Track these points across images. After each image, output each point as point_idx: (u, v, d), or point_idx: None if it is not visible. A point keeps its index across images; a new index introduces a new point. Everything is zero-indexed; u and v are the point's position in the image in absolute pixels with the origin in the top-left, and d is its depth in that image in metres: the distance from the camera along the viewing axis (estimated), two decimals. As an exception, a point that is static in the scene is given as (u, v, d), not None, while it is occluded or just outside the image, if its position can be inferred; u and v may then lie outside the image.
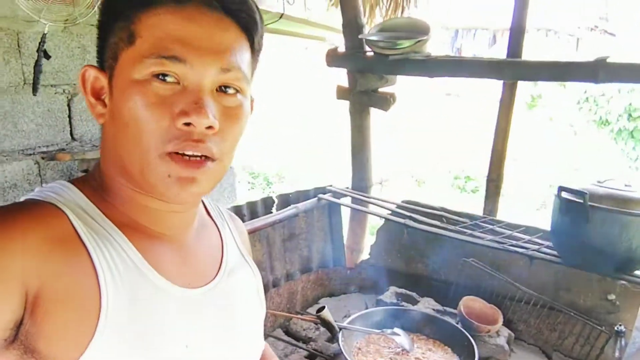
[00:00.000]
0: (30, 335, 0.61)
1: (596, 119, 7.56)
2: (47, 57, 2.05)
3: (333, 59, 2.89)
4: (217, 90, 0.69)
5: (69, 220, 0.67)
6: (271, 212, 2.75)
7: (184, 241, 0.80)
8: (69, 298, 0.63)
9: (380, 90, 2.95)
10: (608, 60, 1.95)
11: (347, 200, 3.01)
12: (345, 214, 3.19)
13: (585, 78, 2.08)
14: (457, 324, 2.35)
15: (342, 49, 2.95)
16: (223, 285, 0.83)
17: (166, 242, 0.77)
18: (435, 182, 7.79)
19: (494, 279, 2.55)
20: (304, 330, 2.50)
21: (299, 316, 2.38)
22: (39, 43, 2.04)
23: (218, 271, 0.84)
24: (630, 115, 7.12)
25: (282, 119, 9.01)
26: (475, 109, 9.21)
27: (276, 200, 2.82)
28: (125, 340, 0.66)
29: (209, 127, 0.66)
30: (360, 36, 2.79)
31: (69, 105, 2.85)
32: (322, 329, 2.34)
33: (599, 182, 2.08)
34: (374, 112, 3.02)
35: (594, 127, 7.66)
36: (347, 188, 3.06)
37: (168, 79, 0.66)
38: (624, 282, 2.20)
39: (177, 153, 0.67)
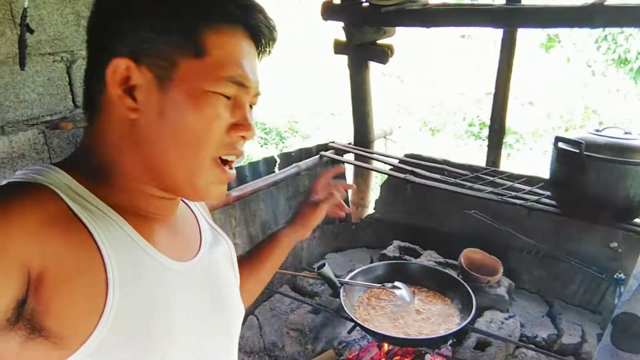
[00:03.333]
0: (36, 313, 0.62)
1: (615, 58, 7.28)
2: (31, 31, 2.05)
3: (328, 11, 2.83)
4: None
5: (63, 201, 0.67)
6: (273, 172, 2.77)
7: (170, 220, 0.84)
8: (76, 275, 0.64)
9: (378, 42, 2.89)
10: (605, 3, 1.88)
11: (349, 157, 3.02)
12: (349, 169, 3.20)
13: (581, 23, 2.01)
14: (458, 276, 2.38)
15: (337, 0, 2.88)
16: (207, 256, 0.89)
17: (155, 221, 0.80)
18: (450, 130, 7.69)
19: (496, 229, 2.57)
20: (310, 285, 2.57)
21: (300, 273, 2.44)
22: (21, 18, 2.03)
23: (200, 245, 0.89)
24: (650, 52, 6.85)
25: (289, 73, 8.90)
26: (489, 49, 8.95)
27: (278, 160, 2.84)
28: (133, 313, 0.68)
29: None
30: (355, -14, 2.72)
31: (68, 73, 2.85)
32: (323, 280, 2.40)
33: (597, 130, 2.04)
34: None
35: (613, 66, 7.40)
36: (350, 144, 3.06)
37: (231, 96, 0.75)
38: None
39: (221, 158, 0.77)
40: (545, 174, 2.55)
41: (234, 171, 0.80)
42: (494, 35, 8.81)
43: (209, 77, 0.72)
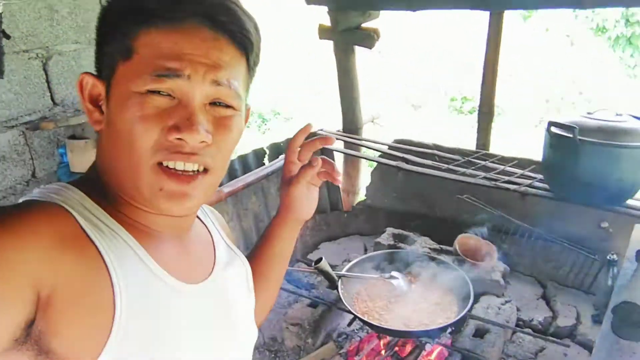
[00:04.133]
0: (43, 335, 0.61)
1: (593, 27, 7.31)
2: (7, 37, 1.96)
3: (313, -5, 2.76)
4: (209, 104, 0.71)
5: (76, 220, 0.67)
6: (263, 164, 2.74)
7: (183, 239, 0.82)
8: (84, 296, 0.63)
9: (363, 26, 2.84)
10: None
11: (339, 144, 2.98)
12: (339, 156, 3.17)
13: (570, 4, 1.99)
14: (453, 262, 2.39)
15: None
16: (219, 278, 0.86)
17: (167, 240, 0.78)
18: (432, 106, 7.69)
19: (489, 213, 2.58)
20: (305, 277, 2.56)
21: (298, 269, 2.42)
22: (-4, 24, 1.93)
23: (213, 266, 0.86)
24: (627, 20, 6.87)
25: (273, 57, 8.76)
26: (468, 22, 8.91)
27: (267, 151, 2.80)
28: (139, 336, 0.67)
29: (202, 142, 0.69)
30: (338, -30, 2.65)
31: (45, 70, 2.76)
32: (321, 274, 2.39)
33: (589, 113, 2.05)
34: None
35: (591, 35, 7.43)
36: (338, 131, 3.02)
37: (163, 92, 0.68)
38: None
39: (168, 167, 0.69)
40: (529, 150, 2.57)
41: (189, 185, 0.70)
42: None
43: (135, 76, 0.68)
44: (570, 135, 1.93)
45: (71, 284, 0.62)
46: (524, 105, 7.26)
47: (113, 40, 0.70)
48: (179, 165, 0.70)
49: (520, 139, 6.19)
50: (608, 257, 2.17)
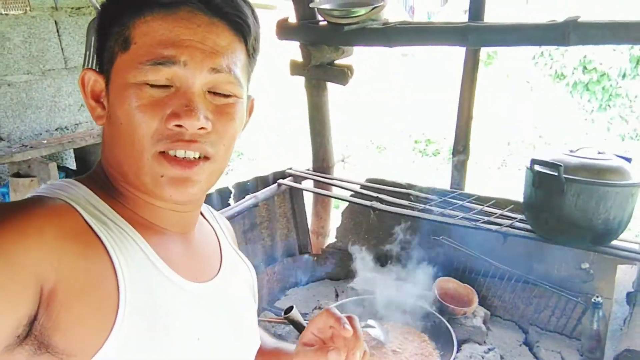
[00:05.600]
0: (45, 330, 0.61)
1: (552, 73, 7.53)
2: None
3: (284, 31, 2.67)
4: (209, 92, 0.71)
5: (81, 216, 0.67)
6: (228, 204, 2.56)
7: (189, 238, 0.83)
8: (88, 291, 0.63)
9: (336, 62, 2.75)
10: (579, 20, 1.82)
11: (308, 183, 2.85)
12: (308, 196, 3.03)
13: (555, 41, 1.94)
14: (432, 307, 2.25)
15: (293, 19, 2.74)
16: (226, 280, 0.85)
17: (173, 238, 0.79)
18: (396, 148, 7.69)
19: (466, 255, 2.47)
20: (272, 327, 2.36)
21: (266, 319, 2.23)
22: None
23: (220, 267, 0.86)
24: (585, 67, 7.12)
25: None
26: (432, 68, 9.09)
27: (233, 190, 2.64)
28: (142, 333, 0.66)
29: (202, 128, 0.69)
30: (311, 5, 2.57)
31: (-8, 101, 2.55)
32: (291, 325, 2.20)
33: (571, 151, 1.98)
34: (330, 85, 2.83)
35: (550, 81, 7.65)
36: (308, 170, 2.89)
37: (160, 81, 0.68)
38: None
39: (169, 155, 0.69)
40: (497, 191, 2.49)
41: (191, 170, 0.70)
42: (436, 52, 8.97)
43: (131, 67, 0.68)
44: (555, 174, 1.85)
45: (75, 278, 0.62)
46: (486, 148, 7.34)
47: (112, 34, 0.71)
48: (180, 153, 0.69)
49: (485, 180, 6.20)
50: (592, 300, 2.08)
